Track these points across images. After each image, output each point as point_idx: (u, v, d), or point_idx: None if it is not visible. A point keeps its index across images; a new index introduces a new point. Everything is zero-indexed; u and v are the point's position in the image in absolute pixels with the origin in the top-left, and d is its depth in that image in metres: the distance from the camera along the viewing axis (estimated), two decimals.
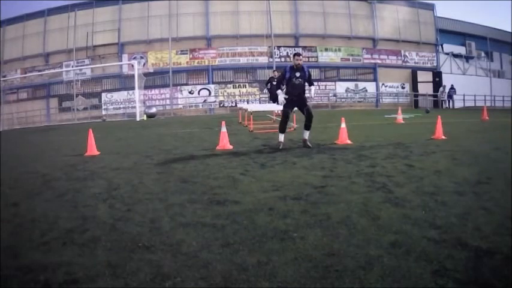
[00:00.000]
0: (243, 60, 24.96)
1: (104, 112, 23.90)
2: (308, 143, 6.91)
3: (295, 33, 25.39)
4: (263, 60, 24.53)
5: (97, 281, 2.13)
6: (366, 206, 3.33)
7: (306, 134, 7.00)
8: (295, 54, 7.02)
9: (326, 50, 25.64)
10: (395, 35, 26.61)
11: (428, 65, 27.22)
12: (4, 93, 23.32)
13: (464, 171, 4.62)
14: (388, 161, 5.40)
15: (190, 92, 24.85)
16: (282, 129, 6.97)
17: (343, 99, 25.75)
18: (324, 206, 3.37)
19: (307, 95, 7.01)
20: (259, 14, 24.19)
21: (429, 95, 25.68)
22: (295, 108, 7.10)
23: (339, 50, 25.81)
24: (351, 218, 3.01)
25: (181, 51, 24.71)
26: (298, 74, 6.79)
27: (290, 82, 6.82)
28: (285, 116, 6.94)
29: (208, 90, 24.88)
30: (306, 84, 6.96)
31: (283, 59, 24.94)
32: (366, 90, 26.17)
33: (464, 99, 26.13)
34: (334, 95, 25.48)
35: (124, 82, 24.57)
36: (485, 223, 2.82)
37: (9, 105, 23.44)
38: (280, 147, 6.82)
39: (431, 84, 26.36)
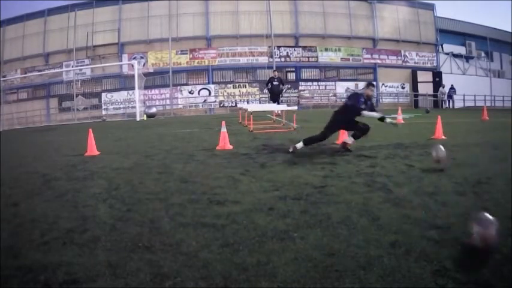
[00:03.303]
0: (243, 60, 24.93)
1: (104, 112, 23.87)
2: (348, 146, 6.38)
3: (295, 33, 25.37)
4: (263, 60, 24.50)
5: (97, 281, 2.14)
6: (366, 206, 3.33)
7: (350, 140, 6.43)
8: (370, 84, 6.40)
9: (326, 50, 25.63)
10: (396, 35, 26.58)
11: (428, 65, 27.18)
12: (4, 93, 23.28)
13: (464, 171, 4.62)
14: (388, 161, 5.40)
15: (190, 92, 24.84)
16: (307, 143, 6.40)
17: (343, 99, 25.70)
18: (324, 206, 3.37)
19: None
20: (259, 14, 24.17)
21: (429, 95, 25.68)
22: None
23: (339, 50, 25.79)
24: (351, 218, 3.01)
25: (181, 51, 24.69)
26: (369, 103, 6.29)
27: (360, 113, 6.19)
28: (321, 139, 6.36)
29: (208, 90, 24.87)
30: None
31: (283, 59, 24.96)
32: None
33: (464, 99, 26.12)
34: (334, 95, 25.47)
35: (124, 82, 24.55)
36: None
37: (9, 105, 23.40)
38: (290, 151, 6.38)
39: (431, 84, 26.36)
